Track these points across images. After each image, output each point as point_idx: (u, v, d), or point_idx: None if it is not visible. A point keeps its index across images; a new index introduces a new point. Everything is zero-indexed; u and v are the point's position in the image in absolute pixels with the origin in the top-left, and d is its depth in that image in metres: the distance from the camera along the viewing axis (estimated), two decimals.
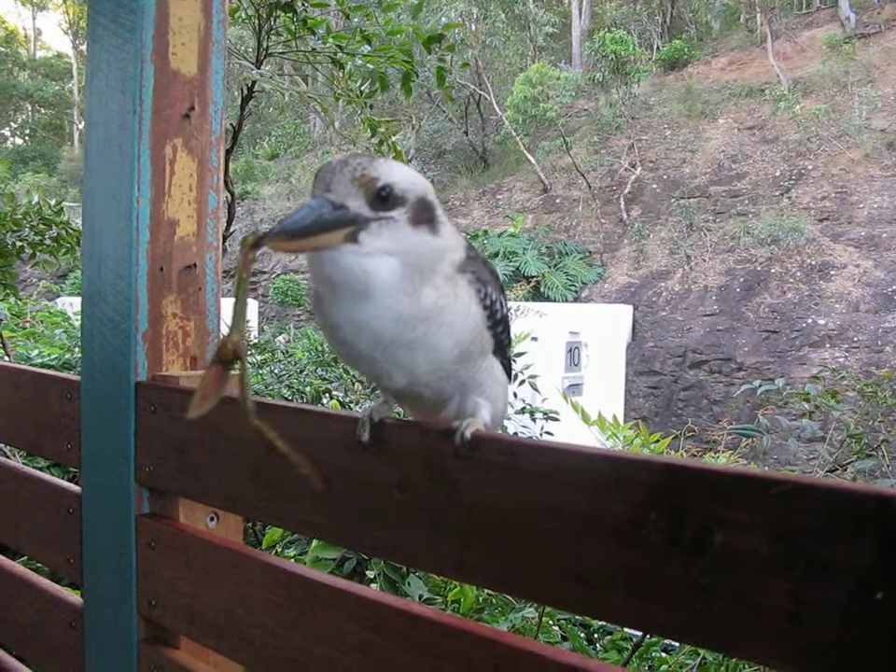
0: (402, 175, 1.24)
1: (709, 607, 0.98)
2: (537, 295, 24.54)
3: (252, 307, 20.61)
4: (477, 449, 1.21)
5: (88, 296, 1.96)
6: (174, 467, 1.76)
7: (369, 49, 3.44)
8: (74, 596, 2.10)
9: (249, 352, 6.22)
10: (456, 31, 31.46)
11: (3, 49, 61.34)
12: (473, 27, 35.31)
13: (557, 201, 30.77)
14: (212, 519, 1.86)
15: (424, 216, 1.24)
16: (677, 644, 3.32)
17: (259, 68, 3.42)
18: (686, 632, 1.03)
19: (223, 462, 1.64)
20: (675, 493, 1.02)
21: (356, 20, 3.49)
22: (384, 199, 1.21)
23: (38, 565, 2.96)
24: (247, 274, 1.21)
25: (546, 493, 1.13)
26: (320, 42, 3.48)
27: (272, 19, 3.37)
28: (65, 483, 2.13)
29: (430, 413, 1.42)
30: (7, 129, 63.03)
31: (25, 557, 3.08)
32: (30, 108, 61.05)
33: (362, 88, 3.75)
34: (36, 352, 6.94)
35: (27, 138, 59.57)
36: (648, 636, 3.42)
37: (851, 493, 0.89)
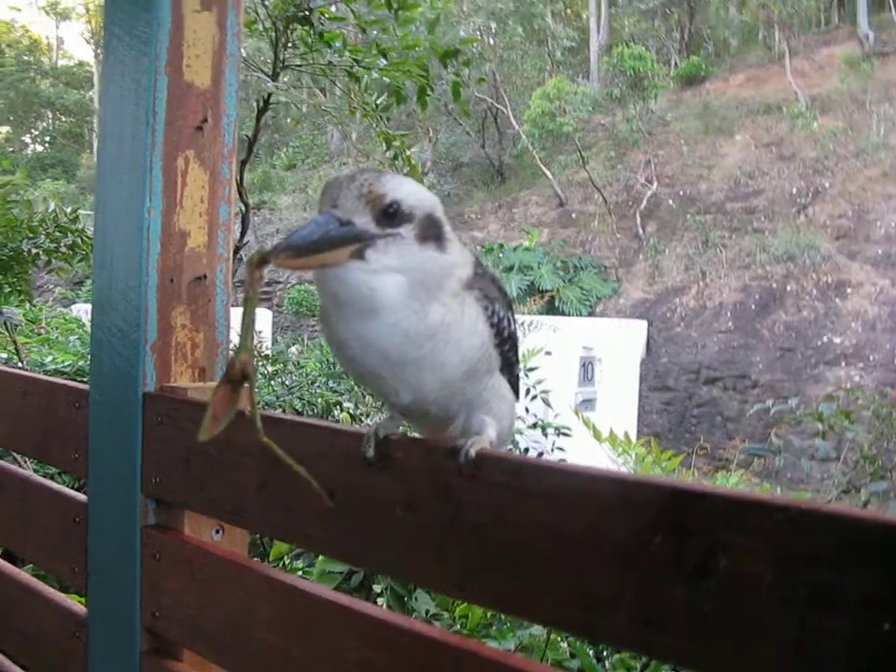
0: (410, 192, 1.23)
1: (712, 632, 0.96)
2: (551, 309, 24.53)
3: (266, 317, 20.65)
4: (481, 468, 1.20)
5: (98, 305, 1.96)
6: (179, 478, 1.75)
7: (385, 62, 3.45)
8: (78, 606, 2.09)
9: (261, 363, 6.23)
10: (474, 45, 31.60)
11: (26, 58, 61.87)
12: (491, 41, 35.43)
13: (573, 215, 30.79)
14: (217, 532, 1.85)
15: (431, 232, 1.23)
16: None
17: (275, 80, 3.44)
18: (688, 658, 1.01)
19: (229, 475, 1.63)
20: (680, 516, 1.00)
21: (372, 33, 3.49)
22: (391, 215, 1.20)
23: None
24: (255, 293, 1.20)
25: (550, 514, 1.12)
26: (336, 55, 3.50)
27: (288, 31, 3.38)
28: (72, 492, 2.13)
29: (437, 429, 1.40)
30: (28, 136, 63.48)
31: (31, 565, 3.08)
32: (51, 116, 61.46)
33: (378, 101, 3.75)
34: (50, 358, 6.96)
35: (47, 145, 59.95)
36: None
37: (857, 520, 0.88)
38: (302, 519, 1.48)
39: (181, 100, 1.91)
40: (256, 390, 1.22)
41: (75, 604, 2.12)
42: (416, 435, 1.52)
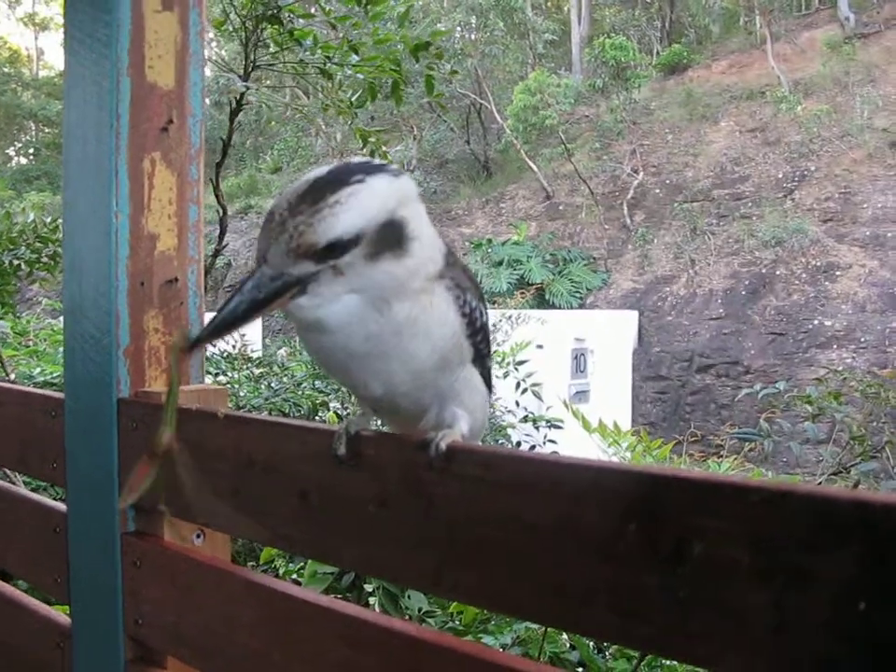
0: (353, 219, 1.12)
1: (688, 619, 0.94)
2: (542, 303, 24.54)
3: (256, 322, 20.56)
4: (452, 461, 1.18)
5: (69, 311, 1.94)
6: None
7: (357, 58, 3.43)
8: (63, 616, 2.07)
9: (247, 367, 6.22)
10: (455, 40, 31.57)
11: (6, 70, 61.66)
12: (472, 36, 35.40)
13: (560, 208, 30.77)
14: (198, 536, 1.83)
15: (387, 241, 1.15)
16: None
17: (246, 80, 3.41)
18: (665, 645, 1.00)
19: (204, 479, 1.61)
20: (653, 502, 0.99)
21: (343, 30, 3.47)
22: (331, 250, 1.12)
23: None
24: (179, 375, 1.23)
25: (524, 505, 1.10)
26: (308, 53, 3.47)
27: (258, 30, 3.36)
28: (51, 502, 2.11)
29: (408, 424, 1.38)
30: (12, 148, 63.26)
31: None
32: (33, 128, 61.26)
33: (352, 98, 3.73)
34: (39, 370, 6.92)
35: (31, 157, 59.76)
36: None
37: (833, 500, 0.86)
38: (277, 520, 1.46)
39: (145, 101, 1.88)
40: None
41: (59, 615, 2.10)
42: (388, 431, 1.50)
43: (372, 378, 1.25)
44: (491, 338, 1.48)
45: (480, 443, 1.50)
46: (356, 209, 1.11)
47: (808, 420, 4.03)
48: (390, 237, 1.15)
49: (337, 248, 1.11)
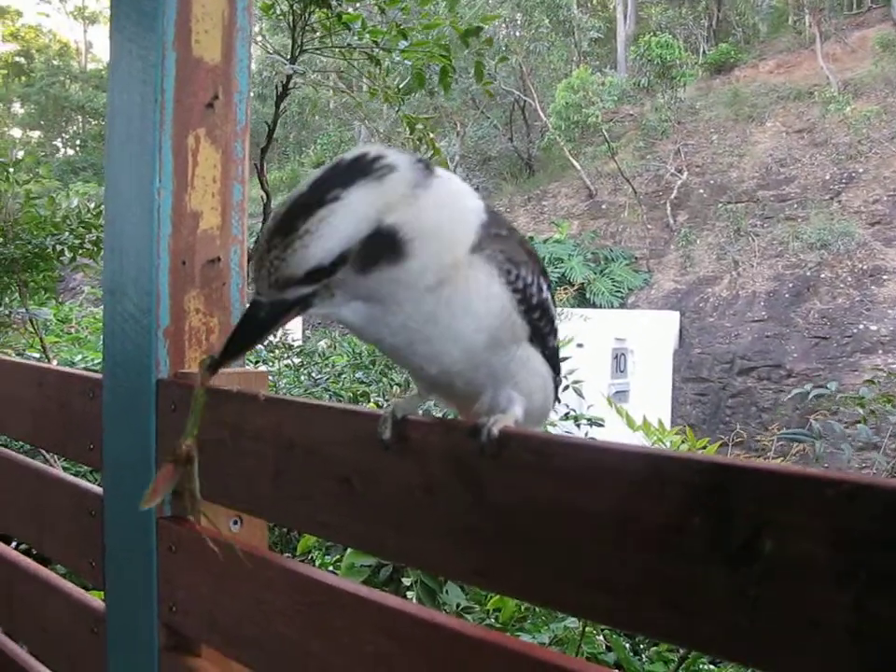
0: (327, 244, 1.07)
1: (758, 621, 0.88)
2: (582, 301, 24.40)
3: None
4: (505, 447, 1.12)
5: (109, 290, 1.90)
6: None
7: (405, 44, 3.38)
8: (97, 601, 2.04)
9: (287, 356, 6.20)
10: (501, 36, 31.48)
11: (56, 63, 62.58)
12: (517, 33, 35.29)
13: (603, 206, 30.61)
14: (235, 522, 1.79)
15: (379, 251, 1.09)
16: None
17: (293, 64, 3.37)
18: (731, 648, 0.93)
19: (244, 463, 1.57)
20: (721, 494, 0.92)
21: (392, 14, 3.42)
22: (315, 276, 1.09)
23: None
24: (204, 391, 1.27)
25: (578, 494, 1.04)
26: (356, 38, 3.43)
27: (306, 14, 3.32)
28: (87, 485, 2.08)
29: (464, 405, 1.33)
30: (59, 140, 64.17)
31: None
32: (80, 119, 62.11)
33: (400, 85, 3.69)
34: (80, 357, 6.98)
35: (78, 149, 60.56)
36: None
37: None
38: (318, 507, 1.40)
39: (190, 76, 1.84)
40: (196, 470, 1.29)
41: (94, 599, 2.07)
42: (436, 415, 1.44)
43: (425, 361, 1.20)
44: (557, 317, 1.39)
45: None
46: (328, 235, 1.06)
47: (857, 423, 3.93)
48: (381, 246, 1.08)
49: (321, 272, 1.08)
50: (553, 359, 1.37)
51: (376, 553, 2.05)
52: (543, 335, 1.30)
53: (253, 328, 1.16)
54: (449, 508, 1.19)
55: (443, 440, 1.21)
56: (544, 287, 1.28)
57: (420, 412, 1.33)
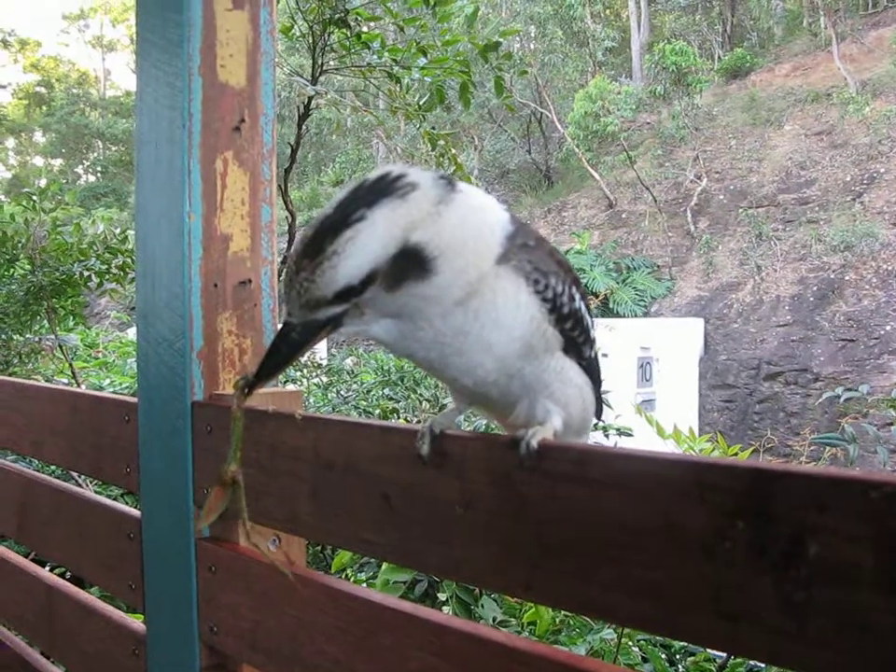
0: (356, 263, 1.09)
1: (806, 627, 0.87)
2: (606, 311, 24.35)
3: None
4: (544, 459, 1.12)
5: (142, 315, 1.92)
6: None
7: (425, 61, 3.39)
8: (137, 623, 2.05)
9: (315, 374, 6.21)
10: (515, 49, 31.54)
11: (75, 91, 63.35)
12: (532, 46, 35.37)
13: (623, 216, 30.55)
14: (274, 542, 1.80)
15: (406, 269, 1.10)
16: (763, 665, 3.17)
17: (314, 85, 3.40)
18: (780, 655, 0.92)
19: (281, 482, 1.58)
20: (763, 499, 0.91)
21: (410, 31, 3.44)
22: (344, 296, 1.11)
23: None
24: (242, 413, 1.31)
25: (621, 504, 1.04)
26: (375, 56, 3.45)
27: (326, 35, 3.34)
28: (125, 508, 2.10)
29: (503, 415, 1.33)
30: (81, 167, 64.88)
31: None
32: (101, 146, 62.79)
33: (420, 102, 3.70)
34: (108, 381, 7.04)
35: (99, 175, 61.19)
36: (732, 657, 3.27)
37: None
38: (358, 524, 1.41)
39: (217, 100, 1.86)
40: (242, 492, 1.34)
41: (134, 621, 2.08)
42: (474, 431, 1.45)
43: (458, 373, 1.21)
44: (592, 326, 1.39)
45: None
46: (356, 255, 1.08)
47: (890, 426, 3.89)
48: (408, 264, 1.10)
49: (350, 292, 1.10)
50: (592, 369, 1.37)
51: (418, 567, 2.05)
52: (578, 345, 1.30)
53: (286, 349, 1.18)
54: (490, 521, 1.19)
55: (482, 453, 1.22)
56: (577, 296, 1.28)
57: (457, 426, 1.33)
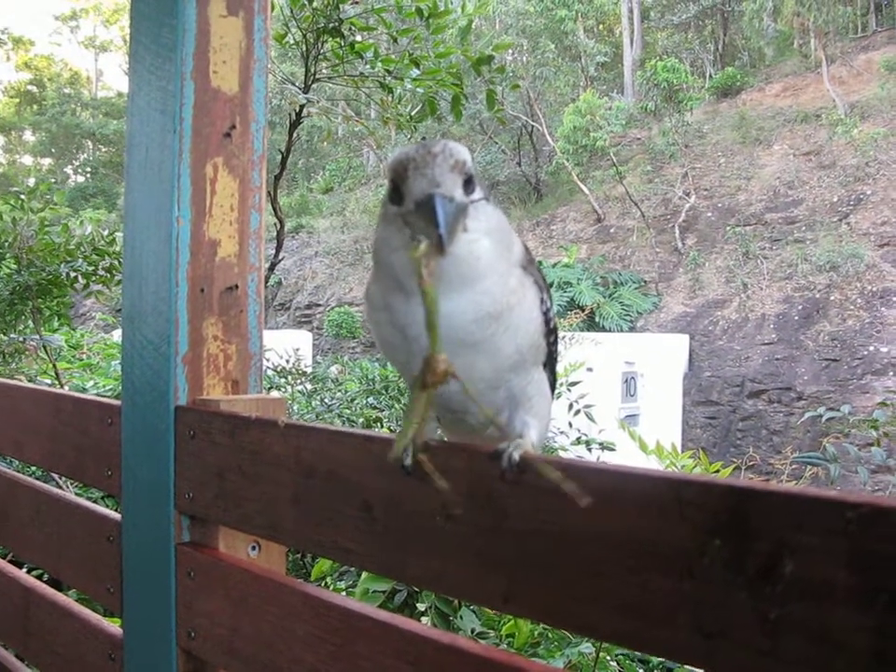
0: (464, 153, 1.19)
1: (780, 644, 0.88)
2: (592, 325, 24.37)
3: (306, 339, 20.76)
4: (525, 472, 1.12)
5: (128, 318, 1.92)
6: (213, 494, 1.70)
7: (417, 72, 3.40)
8: (114, 627, 2.04)
9: (300, 381, 6.21)
10: (507, 63, 31.63)
11: (67, 91, 63.17)
12: (524, 59, 35.48)
13: (611, 230, 30.62)
14: (254, 548, 1.80)
15: (483, 191, 1.21)
16: None
17: (306, 93, 3.40)
18: (754, 670, 0.93)
19: (263, 488, 1.58)
20: (741, 517, 0.92)
21: (404, 43, 3.45)
22: (469, 182, 1.17)
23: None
24: (428, 284, 1.10)
25: (600, 518, 1.05)
26: (368, 66, 3.46)
27: (319, 44, 3.35)
28: (105, 511, 2.09)
29: (475, 431, 1.33)
30: (70, 167, 64.65)
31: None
32: (91, 146, 62.59)
33: (412, 113, 3.71)
34: (92, 383, 7.00)
35: (88, 176, 60.98)
36: None
37: None
38: (339, 532, 1.41)
39: (208, 106, 1.87)
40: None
41: (111, 625, 2.07)
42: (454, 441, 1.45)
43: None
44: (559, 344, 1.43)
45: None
46: (460, 148, 1.19)
47: (870, 446, 3.91)
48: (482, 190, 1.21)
49: (471, 182, 1.17)
50: (554, 383, 1.45)
51: (398, 577, 2.05)
52: (553, 359, 1.36)
53: (451, 217, 1.13)
54: (471, 532, 1.19)
55: (463, 465, 1.22)
56: (553, 312, 1.33)
57: (439, 436, 1.34)
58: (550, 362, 1.35)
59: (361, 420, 4.86)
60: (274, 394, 5.92)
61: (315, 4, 3.38)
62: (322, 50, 3.39)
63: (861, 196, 26.11)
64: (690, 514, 0.97)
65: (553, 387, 1.41)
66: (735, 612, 0.92)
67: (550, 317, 1.29)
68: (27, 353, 5.91)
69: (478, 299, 1.17)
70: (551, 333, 1.31)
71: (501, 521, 1.15)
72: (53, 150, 62.83)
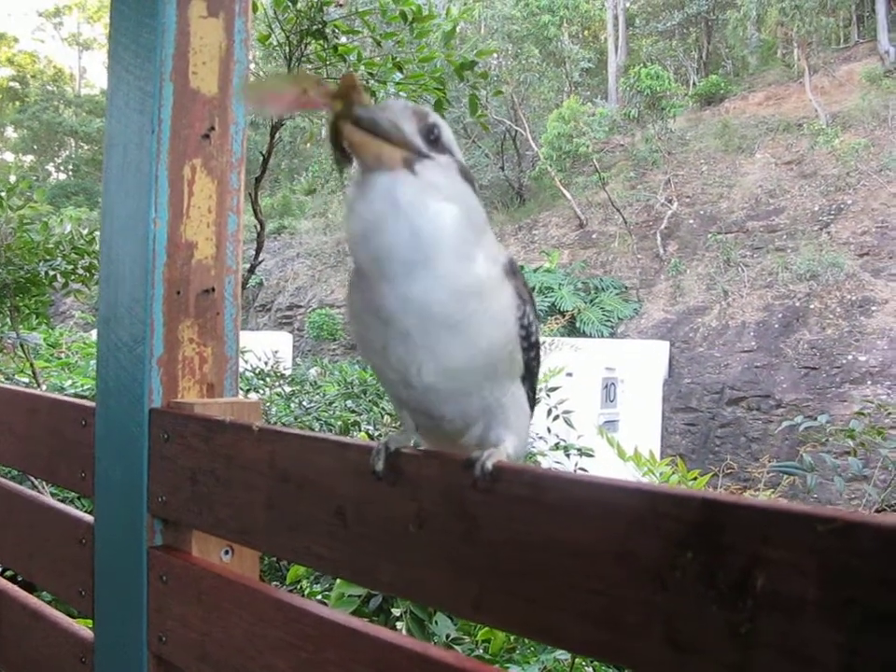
0: (449, 133, 1.20)
1: (751, 658, 0.88)
2: (572, 330, 24.40)
3: (287, 341, 20.71)
4: (498, 481, 1.12)
5: (104, 319, 1.91)
6: (186, 497, 1.69)
7: (401, 76, 3.40)
8: (86, 630, 2.02)
9: (278, 384, 6.18)
10: (492, 67, 31.68)
11: (50, 88, 62.78)
12: (508, 63, 35.52)
13: (593, 236, 30.68)
14: (227, 552, 1.79)
15: (468, 177, 1.20)
16: None
17: None
18: None
19: (236, 493, 1.57)
20: (713, 530, 0.92)
21: (388, 46, 3.44)
22: (433, 141, 1.16)
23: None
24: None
25: (573, 529, 1.04)
26: (351, 69, 3.45)
27: (302, 45, 3.34)
28: (78, 513, 2.08)
29: (450, 441, 1.32)
30: (52, 165, 64.26)
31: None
32: (73, 144, 62.22)
33: None
34: (70, 382, 6.95)
35: (70, 174, 60.63)
36: None
37: None
38: (312, 538, 1.40)
39: (187, 107, 1.86)
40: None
41: (82, 628, 2.05)
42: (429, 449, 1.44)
43: (430, 358, 1.17)
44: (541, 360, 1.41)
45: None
46: (427, 109, 1.21)
47: (847, 455, 3.93)
48: (468, 176, 1.21)
49: (438, 143, 1.17)
50: (533, 400, 1.41)
51: (370, 584, 2.04)
52: (533, 375, 1.33)
53: (378, 118, 1.13)
54: (443, 540, 1.19)
55: (437, 472, 1.22)
56: (538, 329, 1.31)
57: (413, 444, 1.33)
58: (529, 378, 1.33)
59: (339, 423, 4.85)
60: (252, 396, 5.90)
61: (299, 5, 3.37)
62: (305, 52, 3.38)
63: (842, 206, 26.27)
64: (663, 526, 0.96)
65: (532, 404, 1.39)
66: (706, 626, 0.92)
67: (531, 332, 1.27)
68: (4, 351, 5.87)
69: (433, 284, 1.13)
70: (531, 348, 1.29)
71: (473, 529, 1.14)
72: (35, 147, 62.40)
